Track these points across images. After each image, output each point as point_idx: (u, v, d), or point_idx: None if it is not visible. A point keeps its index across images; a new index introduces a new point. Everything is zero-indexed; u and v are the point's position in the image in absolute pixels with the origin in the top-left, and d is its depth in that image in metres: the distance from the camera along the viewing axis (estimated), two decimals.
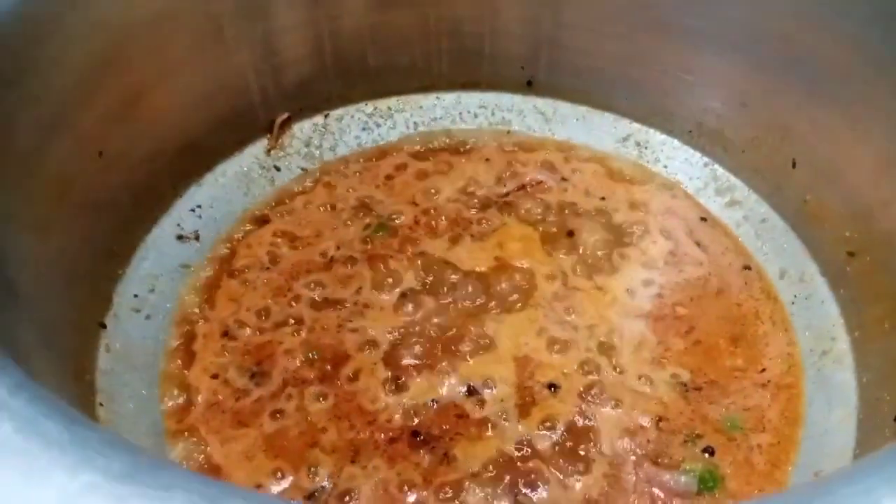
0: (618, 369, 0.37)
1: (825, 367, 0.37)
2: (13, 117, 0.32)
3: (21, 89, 0.32)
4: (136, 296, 0.39)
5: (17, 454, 0.16)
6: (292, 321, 0.39)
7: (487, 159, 0.47)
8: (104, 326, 0.37)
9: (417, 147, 0.47)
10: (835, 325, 0.38)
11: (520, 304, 0.39)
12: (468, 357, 0.37)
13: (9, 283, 0.30)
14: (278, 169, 0.45)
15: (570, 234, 0.42)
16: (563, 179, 0.46)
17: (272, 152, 0.46)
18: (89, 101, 0.36)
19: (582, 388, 0.36)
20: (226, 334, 0.38)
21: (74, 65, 0.35)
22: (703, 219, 0.44)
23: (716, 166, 0.45)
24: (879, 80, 0.36)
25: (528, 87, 0.49)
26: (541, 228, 0.43)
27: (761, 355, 0.38)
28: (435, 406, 0.35)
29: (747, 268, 0.42)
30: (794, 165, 0.41)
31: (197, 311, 0.39)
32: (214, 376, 0.37)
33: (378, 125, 0.48)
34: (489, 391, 0.36)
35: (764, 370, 0.37)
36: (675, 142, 0.47)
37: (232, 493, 0.16)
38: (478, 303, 0.39)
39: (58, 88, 0.34)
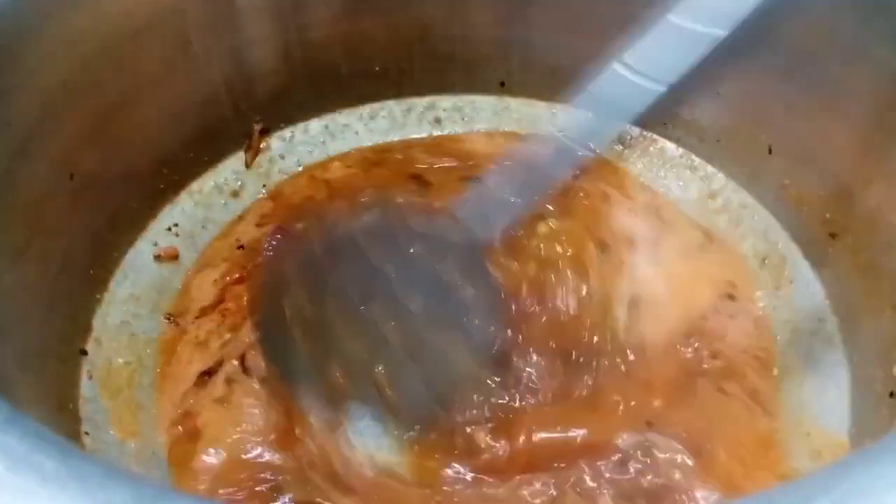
0: None
1: (815, 349, 0.38)
2: None
3: None
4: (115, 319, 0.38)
5: (13, 493, 0.15)
6: None
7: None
8: (85, 353, 0.36)
9: (395, 150, 0.47)
10: (821, 307, 0.39)
11: None
12: None
13: None
14: (255, 181, 0.45)
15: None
16: None
17: (250, 164, 0.45)
18: (59, 123, 0.35)
19: None
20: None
21: (43, 88, 0.34)
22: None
23: (693, 157, 0.46)
24: (854, 64, 0.36)
25: (502, 87, 0.48)
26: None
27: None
28: None
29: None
30: (770, 151, 0.42)
31: (178, 329, 0.38)
32: None
33: (354, 132, 0.47)
34: None
35: None
36: (651, 134, 0.47)
37: None
38: None
39: (26, 112, 0.33)
